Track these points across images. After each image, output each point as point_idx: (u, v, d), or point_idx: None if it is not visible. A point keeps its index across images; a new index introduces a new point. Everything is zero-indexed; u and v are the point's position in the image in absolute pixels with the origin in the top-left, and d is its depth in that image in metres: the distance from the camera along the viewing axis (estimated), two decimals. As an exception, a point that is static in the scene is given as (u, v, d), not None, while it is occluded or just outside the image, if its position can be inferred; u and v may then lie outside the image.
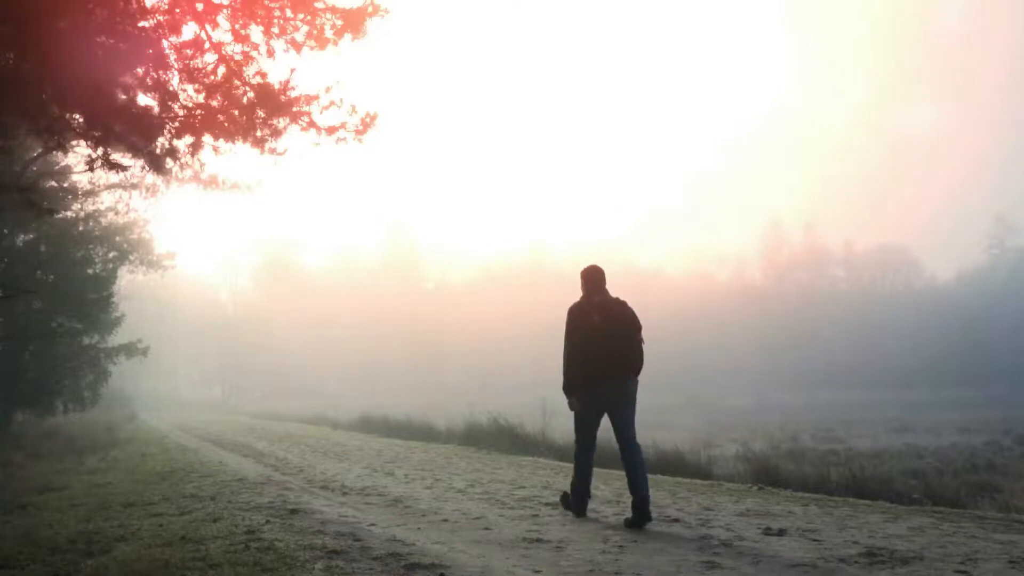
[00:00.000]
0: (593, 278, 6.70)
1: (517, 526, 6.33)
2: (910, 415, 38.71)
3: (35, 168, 16.49)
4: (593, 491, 7.09)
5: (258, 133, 8.24)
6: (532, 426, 15.40)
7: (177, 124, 7.96)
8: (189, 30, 7.71)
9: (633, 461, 6.39)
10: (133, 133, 7.65)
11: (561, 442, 13.40)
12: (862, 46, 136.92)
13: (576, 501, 6.77)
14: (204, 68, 7.90)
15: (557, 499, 7.27)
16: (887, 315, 74.25)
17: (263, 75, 8.02)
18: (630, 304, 6.69)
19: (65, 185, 19.21)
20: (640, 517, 6.20)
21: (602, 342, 6.46)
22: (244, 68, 7.93)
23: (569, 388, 6.61)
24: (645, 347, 6.63)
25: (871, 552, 5.18)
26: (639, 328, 6.60)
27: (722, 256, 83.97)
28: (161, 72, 7.72)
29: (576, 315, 6.62)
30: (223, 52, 7.86)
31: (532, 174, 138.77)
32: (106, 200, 20.90)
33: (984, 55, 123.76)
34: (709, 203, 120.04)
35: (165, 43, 7.65)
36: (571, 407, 6.73)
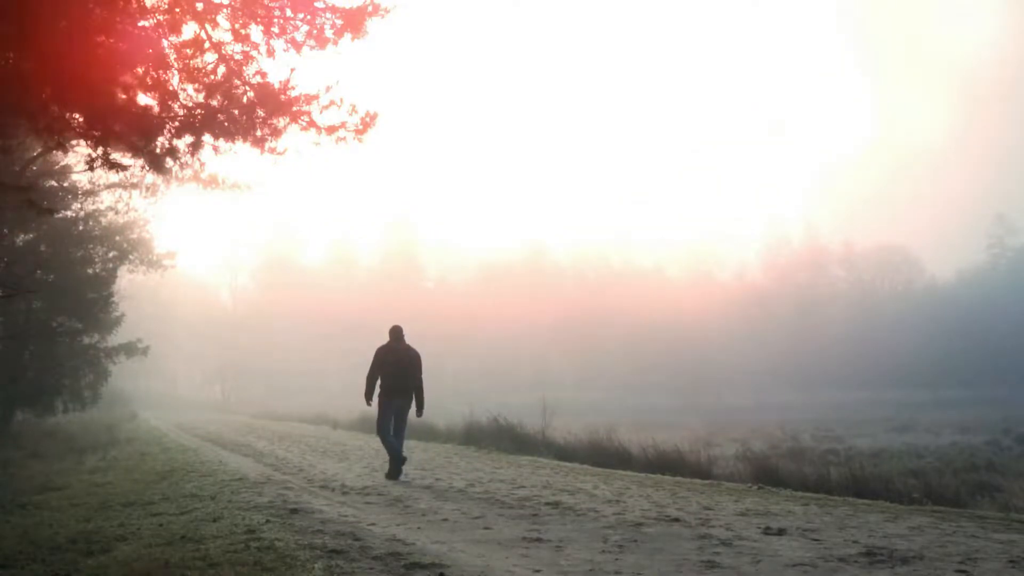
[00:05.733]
0: (395, 332, 10.40)
1: (517, 526, 6.33)
2: (910, 415, 38.71)
3: (35, 168, 16.46)
4: (592, 491, 7.66)
5: (258, 133, 8.22)
6: (532, 426, 15.40)
7: (177, 124, 7.94)
8: (189, 30, 7.69)
9: (398, 446, 10.12)
10: (133, 133, 7.63)
11: (562, 442, 13.41)
12: (862, 46, 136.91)
13: (393, 466, 9.90)
14: (204, 68, 7.88)
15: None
16: (887, 315, 74.14)
17: (263, 75, 8.01)
18: (420, 351, 10.43)
19: (65, 185, 19.17)
20: (393, 477, 9.71)
21: (394, 375, 10.10)
22: (244, 68, 7.91)
23: (367, 397, 10.22)
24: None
25: (871, 551, 5.18)
26: (419, 367, 10.29)
27: (722, 256, 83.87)
28: (161, 72, 7.71)
29: (381, 354, 10.23)
30: (223, 52, 7.84)
31: (532, 173, 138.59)
32: (106, 200, 20.80)
33: (984, 55, 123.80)
34: (709, 203, 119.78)
35: (165, 43, 7.65)
36: (368, 405, 10.31)
